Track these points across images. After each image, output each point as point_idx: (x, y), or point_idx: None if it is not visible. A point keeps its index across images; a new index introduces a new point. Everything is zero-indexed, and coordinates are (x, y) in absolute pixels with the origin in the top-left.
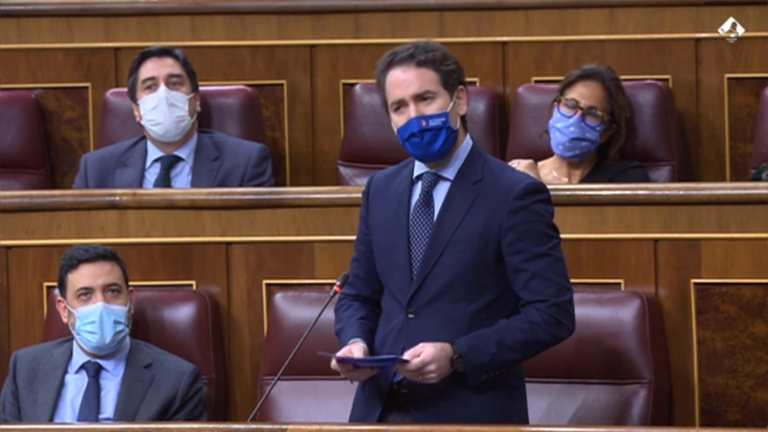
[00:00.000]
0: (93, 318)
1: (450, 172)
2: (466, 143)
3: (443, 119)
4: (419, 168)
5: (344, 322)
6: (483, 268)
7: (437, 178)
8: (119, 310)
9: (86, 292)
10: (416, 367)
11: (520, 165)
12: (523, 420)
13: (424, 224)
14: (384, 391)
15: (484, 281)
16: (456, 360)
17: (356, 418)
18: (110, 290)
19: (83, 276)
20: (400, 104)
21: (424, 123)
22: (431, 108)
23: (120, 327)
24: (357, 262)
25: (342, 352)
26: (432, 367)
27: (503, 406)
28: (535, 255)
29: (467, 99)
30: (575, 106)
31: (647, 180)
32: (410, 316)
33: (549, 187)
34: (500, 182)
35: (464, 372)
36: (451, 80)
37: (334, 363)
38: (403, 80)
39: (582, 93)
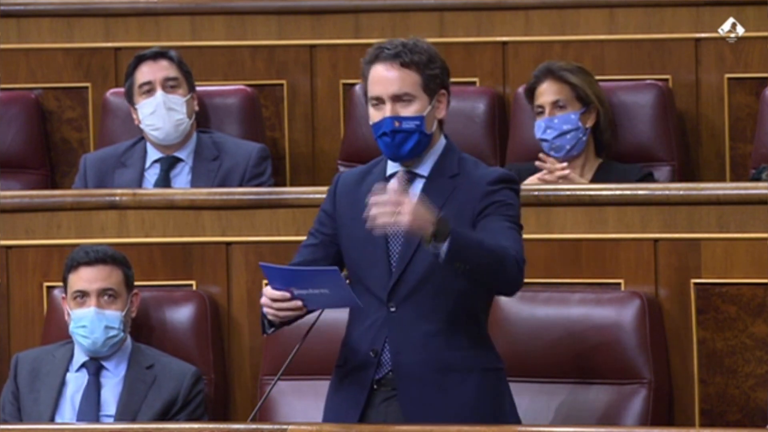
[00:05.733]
0: (84, 322)
1: (424, 169)
2: (440, 141)
3: (417, 122)
4: (392, 167)
5: None
6: None
7: (412, 176)
8: (112, 315)
9: (81, 295)
10: (390, 195)
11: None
12: (510, 403)
13: None
14: (365, 388)
15: None
16: (440, 221)
17: (333, 416)
18: (105, 295)
19: (80, 279)
20: (378, 101)
21: (397, 124)
22: (407, 110)
23: (113, 332)
24: (308, 248)
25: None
26: (409, 205)
27: (490, 390)
28: (499, 221)
29: (448, 103)
30: (542, 111)
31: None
32: (392, 309)
33: (550, 187)
34: (476, 175)
35: (442, 249)
36: (433, 84)
37: (264, 299)
38: (384, 78)
39: (542, 95)
